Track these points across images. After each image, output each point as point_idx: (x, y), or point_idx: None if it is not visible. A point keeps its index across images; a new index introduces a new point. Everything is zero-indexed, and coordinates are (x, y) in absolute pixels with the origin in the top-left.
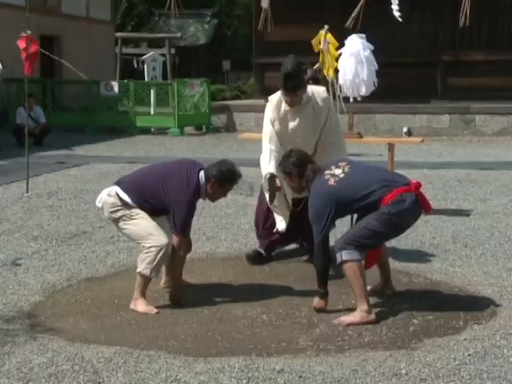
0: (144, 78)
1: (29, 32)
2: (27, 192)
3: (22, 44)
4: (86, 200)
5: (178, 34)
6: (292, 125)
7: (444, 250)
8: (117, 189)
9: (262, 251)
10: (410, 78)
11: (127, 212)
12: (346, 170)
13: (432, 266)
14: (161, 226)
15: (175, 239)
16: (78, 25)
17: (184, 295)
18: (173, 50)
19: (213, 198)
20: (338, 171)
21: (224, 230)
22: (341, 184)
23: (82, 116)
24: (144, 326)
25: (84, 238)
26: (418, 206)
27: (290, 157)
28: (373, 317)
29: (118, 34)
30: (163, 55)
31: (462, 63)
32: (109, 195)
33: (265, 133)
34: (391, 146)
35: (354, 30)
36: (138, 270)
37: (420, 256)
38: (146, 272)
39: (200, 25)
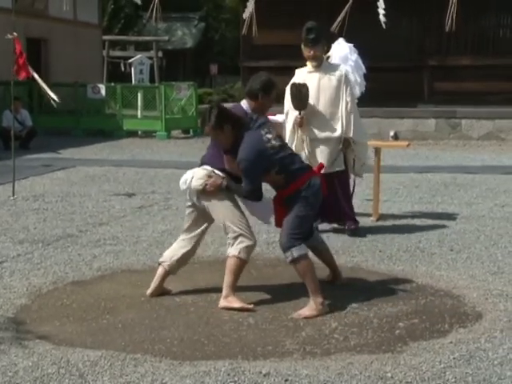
0: (131, 81)
1: (15, 34)
2: (13, 195)
3: (19, 48)
4: (72, 203)
5: (166, 38)
6: (313, 89)
7: (430, 254)
8: (206, 166)
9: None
10: (396, 82)
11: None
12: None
13: (418, 269)
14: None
15: None
16: (65, 27)
17: (170, 298)
18: (160, 53)
19: (263, 111)
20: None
21: (211, 234)
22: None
23: (69, 119)
24: (130, 330)
25: (70, 241)
26: (321, 187)
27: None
28: (326, 309)
29: (106, 37)
30: (150, 58)
31: (448, 68)
32: (203, 169)
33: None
34: (378, 150)
35: (340, 35)
36: (234, 253)
37: (406, 259)
38: (243, 256)
39: (187, 28)
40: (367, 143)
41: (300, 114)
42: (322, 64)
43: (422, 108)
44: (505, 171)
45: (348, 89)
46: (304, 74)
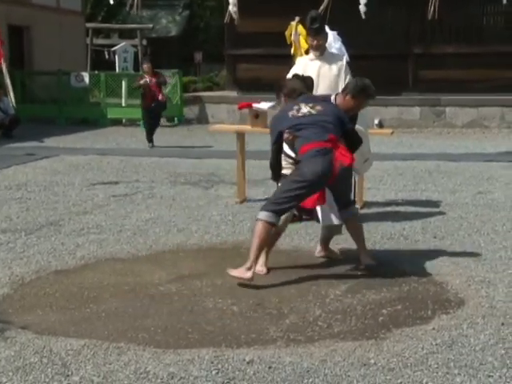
0: (115, 69)
1: None
2: None
3: None
4: (55, 192)
5: (150, 25)
6: (313, 76)
7: (413, 241)
8: None
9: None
10: (381, 70)
11: None
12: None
13: (401, 256)
14: None
15: None
16: (48, 15)
17: (154, 287)
18: (144, 41)
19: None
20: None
21: (195, 222)
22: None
23: (53, 107)
24: (113, 319)
25: (53, 230)
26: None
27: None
28: (249, 275)
29: (89, 25)
30: (135, 46)
31: (432, 56)
32: None
33: None
34: None
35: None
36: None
37: (390, 247)
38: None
39: (172, 16)
40: (368, 134)
41: None
42: (325, 53)
43: (406, 96)
44: (488, 159)
45: (347, 78)
46: (305, 61)
